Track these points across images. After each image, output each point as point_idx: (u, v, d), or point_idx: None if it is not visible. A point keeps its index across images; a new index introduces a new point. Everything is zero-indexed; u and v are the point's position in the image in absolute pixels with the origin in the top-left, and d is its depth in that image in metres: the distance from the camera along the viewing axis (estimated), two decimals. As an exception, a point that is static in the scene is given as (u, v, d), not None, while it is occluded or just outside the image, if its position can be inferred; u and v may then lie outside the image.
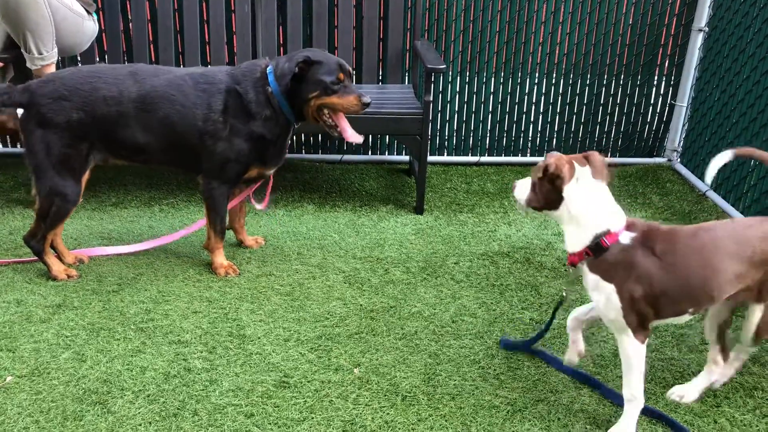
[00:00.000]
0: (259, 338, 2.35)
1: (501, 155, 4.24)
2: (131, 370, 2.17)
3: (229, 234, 2.98)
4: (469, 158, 4.22)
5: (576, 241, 1.84)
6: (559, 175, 1.80)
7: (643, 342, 1.83)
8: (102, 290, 2.63)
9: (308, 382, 2.13)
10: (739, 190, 3.49)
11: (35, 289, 2.63)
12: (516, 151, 4.25)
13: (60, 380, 2.11)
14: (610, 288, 1.80)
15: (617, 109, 4.18)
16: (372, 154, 4.25)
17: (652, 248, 1.79)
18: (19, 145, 4.08)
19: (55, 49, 3.15)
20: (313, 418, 1.98)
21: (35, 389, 2.07)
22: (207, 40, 3.75)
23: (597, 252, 1.81)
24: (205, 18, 3.72)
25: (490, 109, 4.13)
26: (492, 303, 2.63)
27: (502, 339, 2.35)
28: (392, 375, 2.18)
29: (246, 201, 2.95)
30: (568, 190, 1.80)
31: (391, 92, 3.68)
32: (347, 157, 4.19)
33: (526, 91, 4.11)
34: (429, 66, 3.20)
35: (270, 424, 1.95)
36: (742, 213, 3.42)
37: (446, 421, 1.98)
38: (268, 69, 2.60)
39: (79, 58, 3.72)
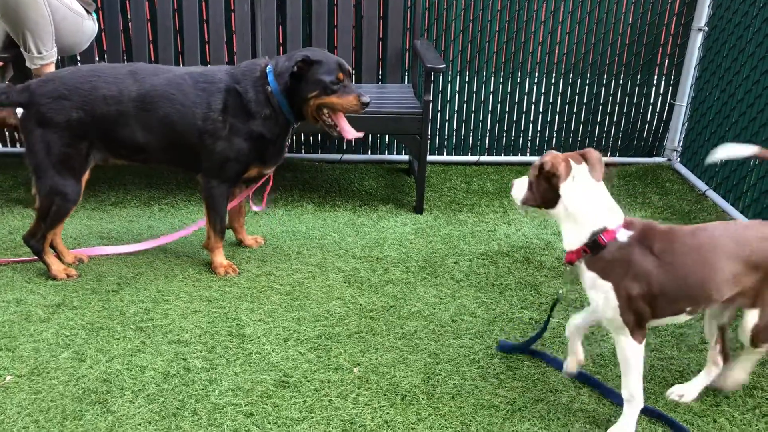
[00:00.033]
0: (258, 338, 2.35)
1: (500, 155, 4.24)
2: (131, 370, 2.17)
3: (229, 233, 2.98)
4: (469, 158, 4.22)
5: (573, 238, 1.84)
6: (555, 173, 1.79)
7: (640, 342, 1.83)
8: (101, 290, 2.63)
9: (308, 381, 2.13)
10: (738, 190, 3.49)
11: (35, 289, 2.63)
12: (515, 150, 4.25)
13: (59, 380, 2.11)
14: (607, 286, 1.80)
15: (617, 108, 4.18)
16: (371, 153, 4.25)
17: (650, 247, 1.79)
18: (18, 145, 4.08)
19: (55, 49, 3.15)
20: (312, 417, 1.98)
21: (35, 389, 2.07)
22: (206, 40, 3.75)
23: (594, 249, 1.80)
24: (204, 17, 3.72)
25: (490, 109, 4.13)
26: (492, 302, 2.63)
27: (500, 342, 2.34)
28: (392, 374, 2.18)
29: (245, 201, 2.96)
30: (564, 188, 1.80)
31: (390, 92, 3.68)
32: (347, 156, 4.19)
33: (526, 91, 4.11)
34: (428, 65, 3.20)
35: (269, 423, 1.95)
36: (741, 212, 3.42)
37: (446, 420, 1.98)
38: (267, 68, 2.60)
39: (78, 58, 3.72)
